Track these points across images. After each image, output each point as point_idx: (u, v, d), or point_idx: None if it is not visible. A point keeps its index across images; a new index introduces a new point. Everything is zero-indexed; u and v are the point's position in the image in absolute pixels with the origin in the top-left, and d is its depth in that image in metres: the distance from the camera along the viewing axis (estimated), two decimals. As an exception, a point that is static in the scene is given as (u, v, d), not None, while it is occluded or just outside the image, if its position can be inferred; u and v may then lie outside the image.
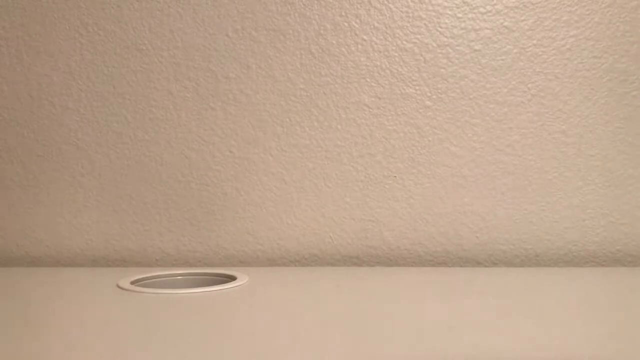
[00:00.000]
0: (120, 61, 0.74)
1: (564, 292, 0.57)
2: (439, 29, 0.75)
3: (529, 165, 0.75)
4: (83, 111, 0.74)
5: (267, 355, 0.37)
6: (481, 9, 0.75)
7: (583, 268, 0.73)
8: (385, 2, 0.75)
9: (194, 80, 0.74)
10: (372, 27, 0.75)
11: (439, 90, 0.74)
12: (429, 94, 0.75)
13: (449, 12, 0.75)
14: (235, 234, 0.75)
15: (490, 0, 0.75)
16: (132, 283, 0.59)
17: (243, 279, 0.61)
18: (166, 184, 0.74)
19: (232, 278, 0.62)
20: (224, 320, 0.45)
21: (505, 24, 0.75)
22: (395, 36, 0.75)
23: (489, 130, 0.75)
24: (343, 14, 0.74)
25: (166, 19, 0.74)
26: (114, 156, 0.74)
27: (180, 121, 0.74)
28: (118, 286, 0.57)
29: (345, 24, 0.74)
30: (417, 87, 0.74)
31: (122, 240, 0.73)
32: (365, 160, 0.75)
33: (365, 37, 0.75)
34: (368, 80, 0.74)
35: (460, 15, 0.75)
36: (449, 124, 0.75)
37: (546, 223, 0.75)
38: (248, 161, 0.75)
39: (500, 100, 0.75)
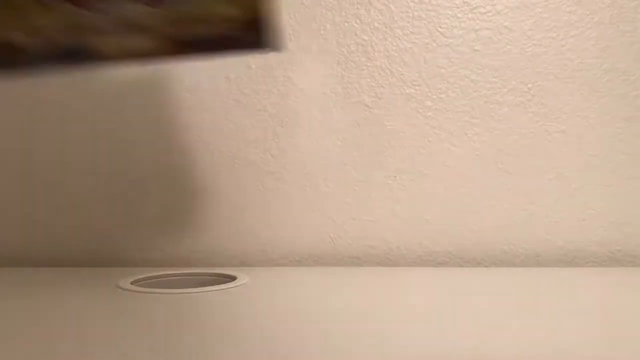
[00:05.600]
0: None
1: (564, 292, 0.57)
2: (439, 29, 0.75)
3: (528, 165, 0.75)
4: (83, 111, 0.74)
5: (268, 355, 0.37)
6: (481, 9, 0.75)
7: (583, 268, 0.73)
8: (386, 2, 0.75)
9: (193, 80, 0.74)
10: (372, 27, 0.75)
11: (439, 90, 0.74)
12: (429, 94, 0.75)
13: (449, 12, 0.75)
14: (235, 234, 0.75)
15: (490, 0, 0.75)
16: (132, 283, 0.59)
17: (243, 279, 0.61)
18: (166, 184, 0.74)
19: (232, 278, 0.62)
20: (224, 320, 0.45)
21: (506, 24, 0.75)
22: (395, 36, 0.75)
23: (489, 130, 0.75)
24: (343, 14, 0.74)
25: (166, 19, 0.74)
26: (114, 156, 0.74)
27: (180, 121, 0.74)
28: (118, 286, 0.57)
29: (345, 24, 0.74)
30: (417, 87, 0.74)
31: (122, 240, 0.73)
32: (365, 160, 0.75)
33: (365, 37, 0.75)
34: (368, 80, 0.74)
35: (460, 15, 0.75)
36: (449, 124, 0.74)
37: (546, 223, 0.75)
38: (248, 161, 0.75)
39: (501, 100, 0.75)
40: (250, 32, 0.44)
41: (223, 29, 0.43)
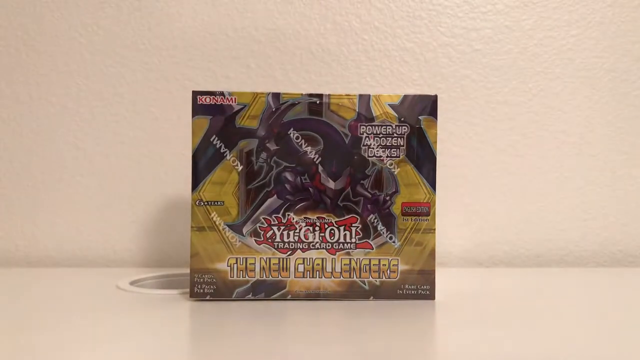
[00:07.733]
0: (120, 61, 0.74)
1: (564, 293, 0.57)
2: (440, 29, 0.75)
3: (529, 165, 0.75)
4: (82, 111, 0.74)
5: (266, 356, 0.37)
6: (482, 9, 0.75)
7: (584, 268, 0.73)
8: (386, 1, 0.75)
9: (193, 80, 0.74)
10: (372, 26, 0.75)
11: (439, 90, 0.74)
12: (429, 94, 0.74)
13: (450, 12, 0.75)
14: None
15: (490, -1, 0.75)
16: (131, 284, 0.59)
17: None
18: (166, 184, 0.74)
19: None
20: (223, 321, 0.45)
21: (506, 23, 0.75)
22: (395, 36, 0.75)
23: (489, 130, 0.75)
24: (343, 13, 0.74)
25: (166, 19, 0.74)
26: (114, 156, 0.74)
27: (180, 121, 0.74)
28: (117, 287, 0.57)
29: (346, 23, 0.74)
30: (417, 87, 0.74)
31: (121, 240, 0.73)
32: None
33: (365, 37, 0.74)
34: (368, 80, 0.74)
35: (461, 14, 0.75)
36: (449, 124, 0.74)
37: (546, 223, 0.75)
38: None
39: (501, 100, 0.75)
40: None
41: None
